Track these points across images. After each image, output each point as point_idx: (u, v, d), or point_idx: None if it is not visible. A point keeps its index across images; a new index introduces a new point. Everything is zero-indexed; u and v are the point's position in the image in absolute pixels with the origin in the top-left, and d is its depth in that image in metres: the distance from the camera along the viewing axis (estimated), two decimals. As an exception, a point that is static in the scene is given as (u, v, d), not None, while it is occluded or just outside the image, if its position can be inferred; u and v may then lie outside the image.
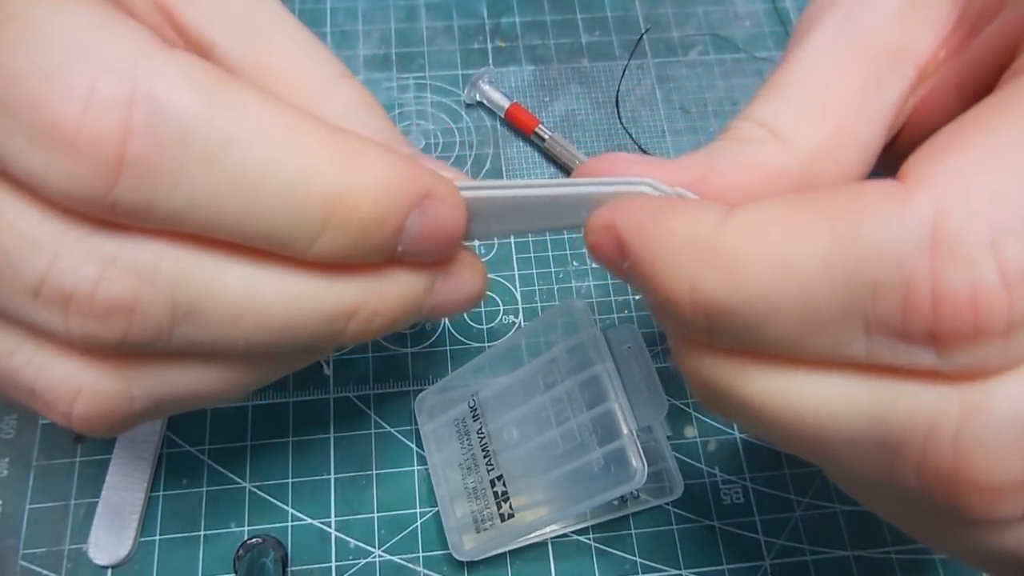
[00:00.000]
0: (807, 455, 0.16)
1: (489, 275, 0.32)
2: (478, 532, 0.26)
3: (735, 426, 0.30)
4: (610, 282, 0.33)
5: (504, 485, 0.26)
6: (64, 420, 0.17)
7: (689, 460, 0.30)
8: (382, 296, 0.18)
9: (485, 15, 0.40)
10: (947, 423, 0.13)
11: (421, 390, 0.29)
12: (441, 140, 0.36)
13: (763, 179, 0.18)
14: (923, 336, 0.13)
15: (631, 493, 0.28)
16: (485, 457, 0.27)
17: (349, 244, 0.16)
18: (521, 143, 0.36)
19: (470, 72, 0.38)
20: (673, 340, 0.18)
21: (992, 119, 0.14)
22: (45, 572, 0.27)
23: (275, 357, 0.20)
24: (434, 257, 0.19)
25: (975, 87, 0.19)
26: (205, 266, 0.16)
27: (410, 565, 0.28)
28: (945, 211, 0.13)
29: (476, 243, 0.33)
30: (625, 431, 0.23)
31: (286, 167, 0.15)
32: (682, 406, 0.31)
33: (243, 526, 0.28)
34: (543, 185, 0.19)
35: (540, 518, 0.25)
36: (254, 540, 0.27)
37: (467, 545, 0.26)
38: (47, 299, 0.15)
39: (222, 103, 0.15)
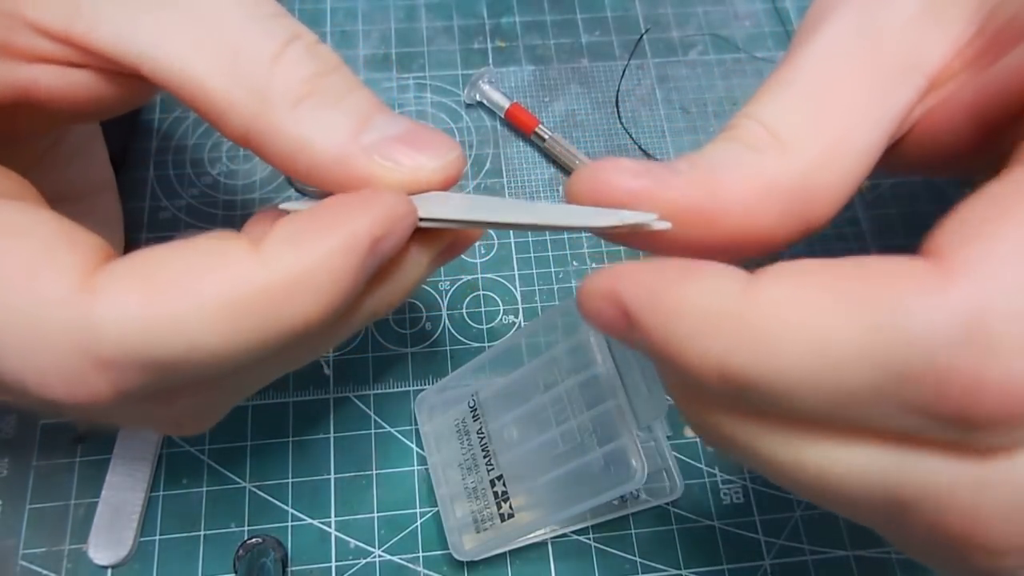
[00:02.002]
0: (815, 502, 0.17)
1: (489, 275, 0.33)
2: (478, 532, 0.26)
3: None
4: (610, 282, 0.33)
5: (504, 485, 0.26)
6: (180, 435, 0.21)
7: (689, 460, 0.30)
8: (393, 296, 0.20)
9: (485, 15, 0.39)
10: (963, 493, 0.14)
11: (421, 390, 0.29)
12: (441, 140, 0.36)
13: (764, 190, 0.18)
14: (952, 419, 0.13)
15: (631, 493, 0.28)
16: (485, 457, 0.27)
17: (330, 320, 0.18)
18: (521, 143, 0.36)
19: (470, 72, 0.37)
20: (683, 397, 0.17)
21: (1019, 204, 0.14)
22: (45, 572, 0.27)
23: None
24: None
25: (991, 115, 0.19)
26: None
27: (410, 565, 0.28)
28: (983, 307, 0.13)
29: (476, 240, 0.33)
30: (625, 431, 0.23)
31: (242, 338, 0.16)
32: (682, 406, 0.31)
33: (243, 526, 0.28)
34: (519, 215, 0.18)
35: (540, 518, 0.25)
36: (254, 540, 0.27)
37: (467, 545, 0.26)
38: None
39: (164, 326, 0.16)
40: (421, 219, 0.19)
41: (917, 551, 0.17)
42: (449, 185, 0.19)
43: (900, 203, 0.35)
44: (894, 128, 0.19)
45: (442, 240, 0.20)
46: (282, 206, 0.19)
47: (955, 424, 0.13)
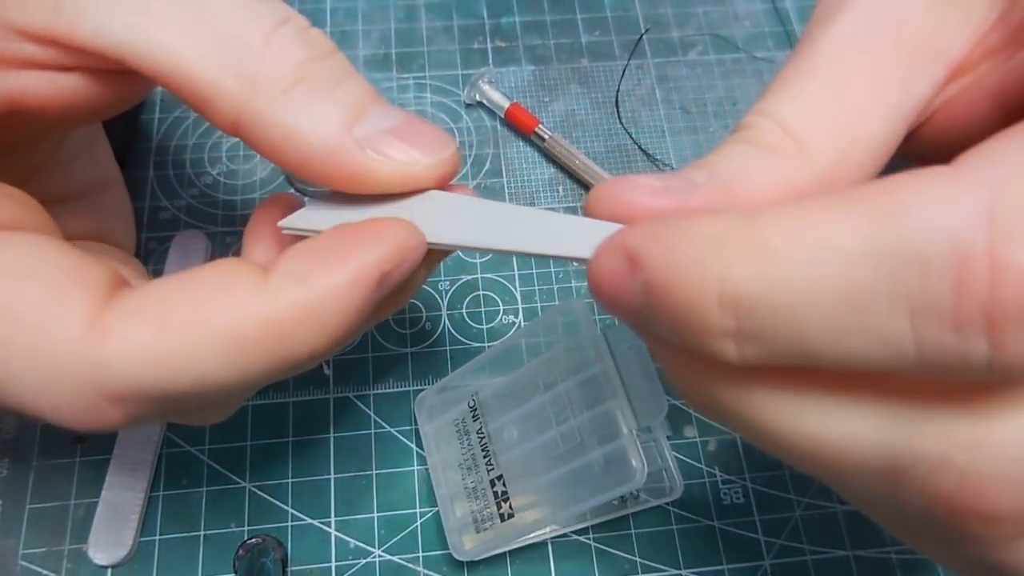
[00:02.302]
0: (808, 472, 0.16)
1: (489, 275, 0.33)
2: (478, 532, 0.26)
3: (735, 426, 0.30)
4: (610, 282, 0.33)
5: (504, 485, 0.26)
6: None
7: (689, 460, 0.30)
8: (395, 306, 0.20)
9: (485, 15, 0.39)
10: (956, 455, 0.13)
11: (421, 390, 0.29)
12: (441, 140, 0.36)
13: (783, 195, 0.17)
14: (977, 320, 0.12)
15: (631, 493, 0.28)
16: (485, 457, 0.27)
17: (334, 351, 0.18)
18: (521, 143, 0.36)
19: (470, 72, 0.37)
20: (677, 363, 0.17)
21: None
22: (45, 572, 0.27)
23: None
24: None
25: (1015, 103, 0.18)
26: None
27: (410, 565, 0.28)
28: (1001, 189, 0.12)
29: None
30: (625, 431, 0.23)
31: (250, 369, 0.17)
32: (682, 406, 0.31)
33: (243, 526, 0.28)
34: (524, 238, 0.18)
35: (540, 518, 0.25)
36: (254, 540, 0.27)
37: (467, 545, 0.26)
38: None
39: (173, 364, 0.16)
40: (429, 243, 0.18)
41: (911, 531, 0.16)
42: (444, 183, 0.19)
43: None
44: (912, 119, 0.19)
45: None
46: (280, 223, 0.19)
47: (982, 328, 0.12)
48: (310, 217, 0.19)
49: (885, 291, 0.12)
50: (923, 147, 0.20)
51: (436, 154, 0.18)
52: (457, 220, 0.19)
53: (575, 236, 0.18)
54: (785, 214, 0.13)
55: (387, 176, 0.18)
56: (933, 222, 0.12)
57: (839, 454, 0.15)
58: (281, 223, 0.19)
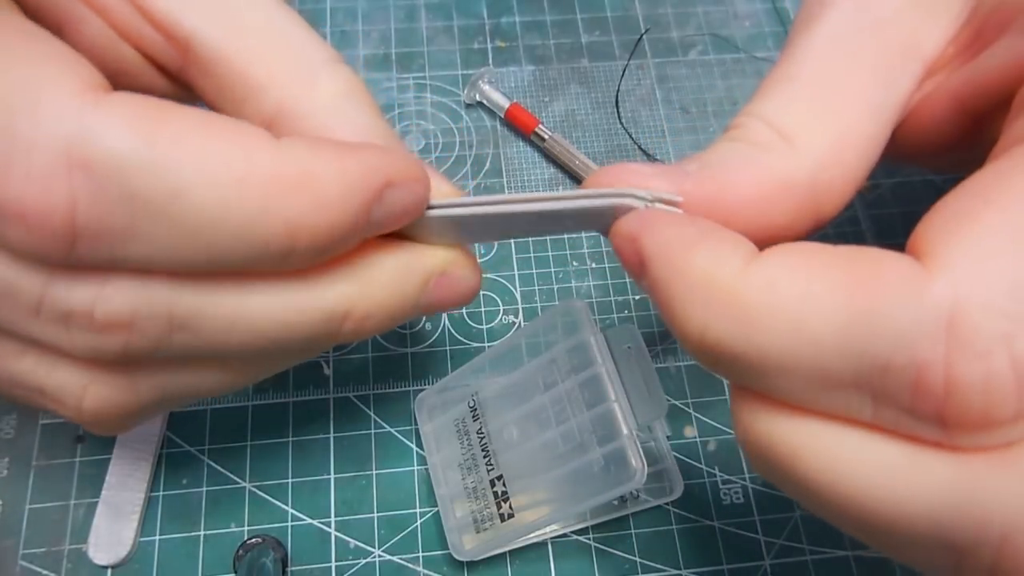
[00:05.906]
0: (869, 540, 0.16)
1: (489, 275, 0.33)
2: (478, 532, 0.26)
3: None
4: (610, 282, 0.33)
5: (504, 485, 0.26)
6: (75, 416, 0.18)
7: (689, 460, 0.30)
8: (374, 297, 0.19)
9: (485, 15, 0.39)
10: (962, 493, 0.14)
11: (421, 390, 0.29)
12: (441, 140, 0.36)
13: (776, 190, 0.18)
14: (931, 417, 0.13)
15: (631, 493, 0.28)
16: (485, 457, 0.27)
17: (319, 252, 0.17)
18: (521, 143, 0.36)
19: (470, 72, 0.37)
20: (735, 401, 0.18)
21: (1001, 194, 0.14)
22: (45, 572, 0.27)
23: (274, 357, 0.20)
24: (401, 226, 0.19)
25: (974, 106, 0.19)
26: (192, 291, 0.16)
27: (410, 565, 0.28)
28: (962, 301, 0.13)
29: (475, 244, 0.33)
30: (625, 431, 0.23)
31: (237, 209, 0.15)
32: (682, 406, 0.31)
33: (243, 526, 0.28)
34: (526, 200, 0.19)
35: (540, 518, 0.25)
36: (254, 540, 0.27)
37: (467, 545, 0.26)
38: (47, 319, 0.16)
39: (161, 155, 0.14)
40: (433, 205, 0.19)
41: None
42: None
43: (900, 203, 0.35)
44: (897, 116, 0.19)
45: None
46: None
47: (935, 422, 0.13)
48: None
49: (851, 376, 0.14)
50: (898, 148, 0.20)
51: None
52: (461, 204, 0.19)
53: (581, 199, 0.18)
54: (769, 282, 0.15)
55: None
56: (899, 331, 0.13)
57: (881, 504, 0.14)
58: None
